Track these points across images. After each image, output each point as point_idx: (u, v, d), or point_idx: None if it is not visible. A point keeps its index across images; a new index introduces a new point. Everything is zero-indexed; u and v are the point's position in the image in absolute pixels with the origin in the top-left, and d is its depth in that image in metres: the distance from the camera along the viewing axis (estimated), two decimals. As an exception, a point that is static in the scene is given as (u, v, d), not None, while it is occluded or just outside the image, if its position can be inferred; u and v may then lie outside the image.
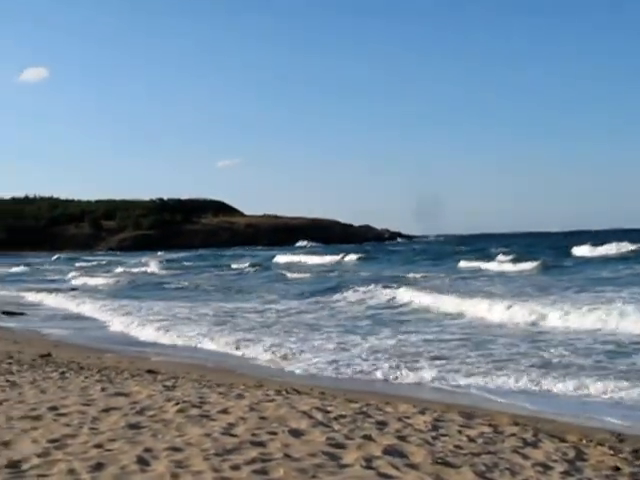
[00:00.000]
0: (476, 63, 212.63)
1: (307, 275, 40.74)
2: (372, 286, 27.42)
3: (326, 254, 64.77)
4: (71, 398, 7.45)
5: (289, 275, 41.31)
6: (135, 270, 55.50)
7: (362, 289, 27.23)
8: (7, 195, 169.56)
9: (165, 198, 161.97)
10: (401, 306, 22.62)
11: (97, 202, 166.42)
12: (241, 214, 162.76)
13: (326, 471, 4.99)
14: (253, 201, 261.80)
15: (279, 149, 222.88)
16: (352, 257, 58.64)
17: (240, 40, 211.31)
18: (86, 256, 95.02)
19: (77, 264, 71.18)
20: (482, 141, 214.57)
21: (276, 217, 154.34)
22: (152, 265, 59.03)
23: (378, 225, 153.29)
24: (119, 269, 57.28)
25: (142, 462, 5.21)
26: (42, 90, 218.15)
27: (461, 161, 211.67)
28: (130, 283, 39.94)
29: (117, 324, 20.38)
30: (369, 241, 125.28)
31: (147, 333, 18.20)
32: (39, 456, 5.23)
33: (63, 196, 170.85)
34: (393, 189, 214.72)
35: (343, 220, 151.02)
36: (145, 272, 53.48)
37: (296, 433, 6.00)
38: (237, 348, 15.42)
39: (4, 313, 23.90)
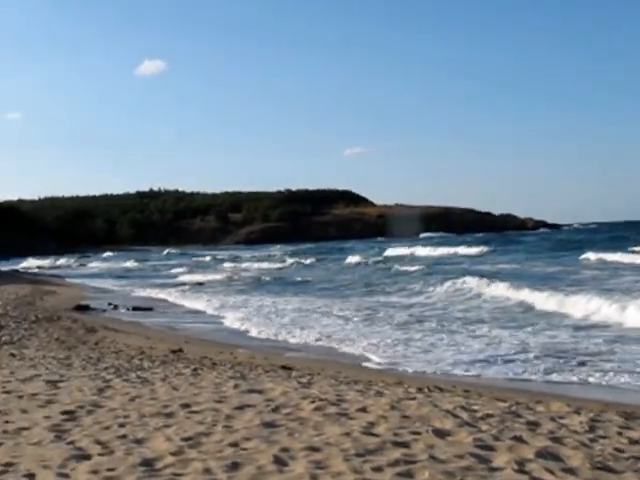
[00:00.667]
0: None
1: (414, 268, 40.80)
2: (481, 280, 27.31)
3: (443, 245, 64.77)
4: (204, 395, 7.64)
5: (399, 268, 41.78)
6: (263, 265, 57.29)
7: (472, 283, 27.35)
8: (132, 189, 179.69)
9: (293, 189, 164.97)
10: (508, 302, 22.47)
11: (223, 194, 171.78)
12: (372, 204, 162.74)
13: (475, 474, 4.86)
14: (382, 190, 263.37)
15: (408, 136, 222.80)
16: (469, 249, 58.33)
17: (370, 26, 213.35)
18: (209, 250, 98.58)
19: (194, 258, 74.65)
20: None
21: (409, 207, 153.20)
22: (275, 259, 61.00)
23: (525, 214, 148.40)
24: (243, 264, 59.56)
25: (279, 462, 5.22)
26: (160, 83, 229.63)
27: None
28: (257, 278, 41.22)
29: (247, 321, 21.03)
30: (508, 230, 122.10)
31: (277, 329, 18.74)
32: (173, 454, 5.36)
33: (189, 189, 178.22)
34: (539, 175, 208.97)
35: (482, 208, 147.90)
36: (269, 267, 55.03)
37: (441, 433, 5.88)
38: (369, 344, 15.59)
39: (134, 309, 25.31)
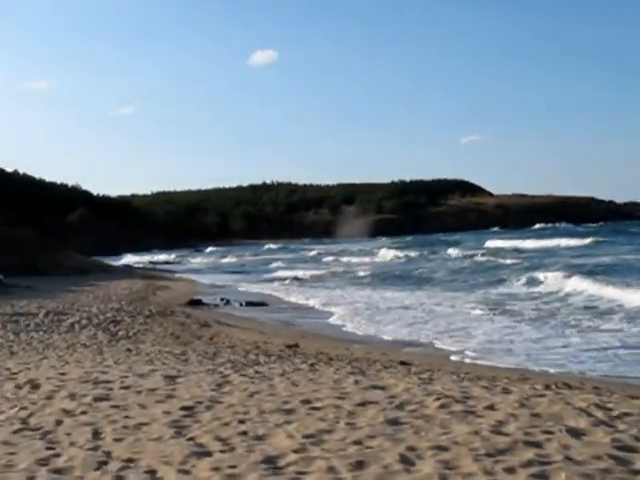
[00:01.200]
0: None
1: (509, 261, 40.48)
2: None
3: (552, 237, 63.76)
4: (324, 391, 7.69)
5: (496, 261, 41.95)
6: (366, 259, 57.43)
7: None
8: (245, 182, 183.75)
9: (407, 180, 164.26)
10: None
11: (336, 186, 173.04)
12: (489, 194, 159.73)
13: (615, 477, 4.74)
14: (500, 179, 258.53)
15: (525, 122, 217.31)
16: (575, 241, 56.85)
17: (481, 12, 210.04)
18: (319, 244, 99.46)
19: (302, 252, 75.54)
20: None
21: (526, 196, 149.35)
22: (382, 252, 60.92)
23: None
24: (346, 258, 59.76)
25: (406, 461, 5.18)
26: (272, 73, 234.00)
27: None
28: (366, 273, 41.33)
29: (357, 315, 21.38)
30: (635, 219, 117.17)
31: (392, 327, 18.89)
32: (295, 452, 5.42)
33: (301, 181, 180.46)
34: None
35: (605, 197, 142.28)
36: (373, 261, 55.10)
37: (575, 433, 5.76)
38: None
39: (247, 304, 26.00)
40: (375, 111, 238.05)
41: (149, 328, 17.19)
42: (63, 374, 9.27)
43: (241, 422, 6.34)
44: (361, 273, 41.46)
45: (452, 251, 56.49)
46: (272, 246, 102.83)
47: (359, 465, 5.12)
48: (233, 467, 5.09)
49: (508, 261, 41.02)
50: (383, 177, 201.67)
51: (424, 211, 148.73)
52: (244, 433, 5.96)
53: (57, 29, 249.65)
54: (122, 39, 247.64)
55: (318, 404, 7.00)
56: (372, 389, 7.88)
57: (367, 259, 57.65)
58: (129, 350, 13.03)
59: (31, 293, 28.18)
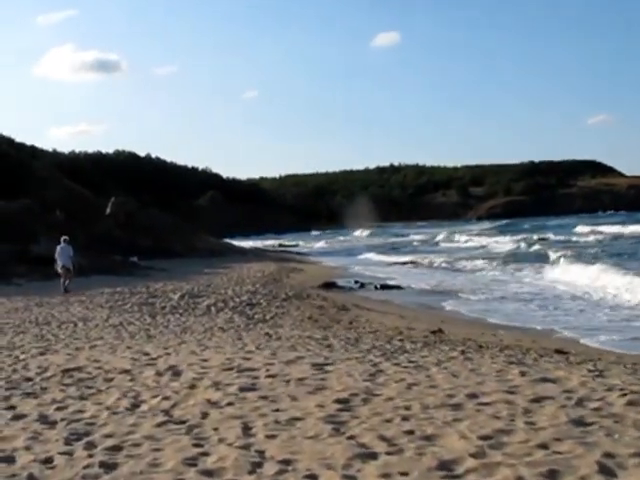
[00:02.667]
0: None
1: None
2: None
3: None
4: (488, 384, 6.98)
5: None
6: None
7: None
8: (372, 165, 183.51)
9: (536, 160, 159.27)
10: None
11: (464, 168, 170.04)
12: (621, 175, 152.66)
13: None
14: (632, 160, 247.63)
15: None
16: None
17: None
18: (449, 226, 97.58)
19: (440, 235, 74.11)
20: None
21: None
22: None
23: None
24: (483, 239, 58.16)
25: (606, 471, 4.47)
26: (394, 55, 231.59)
27: None
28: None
29: (496, 302, 20.85)
30: None
31: (537, 313, 18.29)
32: (473, 456, 4.76)
33: (429, 163, 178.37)
34: None
35: None
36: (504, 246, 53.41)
37: None
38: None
39: (382, 287, 25.76)
40: (501, 91, 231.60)
41: (286, 311, 16.97)
42: (204, 360, 8.98)
43: (404, 419, 5.72)
44: (494, 258, 39.99)
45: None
46: (401, 229, 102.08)
47: (551, 475, 4.44)
48: (405, 474, 4.49)
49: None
50: (511, 158, 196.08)
51: (553, 192, 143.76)
52: (410, 432, 5.34)
53: (183, 13, 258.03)
54: (245, 24, 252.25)
55: (486, 399, 6.29)
56: (542, 382, 7.11)
57: (501, 244, 55.79)
58: (268, 334, 12.73)
59: (165, 275, 28.79)
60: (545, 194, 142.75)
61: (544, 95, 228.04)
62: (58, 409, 6.61)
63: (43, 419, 6.28)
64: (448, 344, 12.02)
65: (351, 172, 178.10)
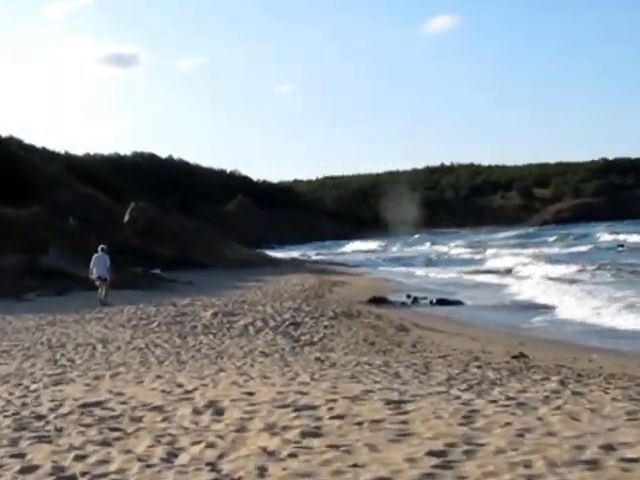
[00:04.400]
0: None
1: None
2: None
3: None
4: (623, 430, 6.09)
5: None
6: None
7: None
8: (420, 164, 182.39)
9: (610, 158, 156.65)
10: None
11: (527, 167, 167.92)
12: None
13: None
14: None
15: None
16: None
17: None
18: (508, 231, 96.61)
19: (497, 241, 73.34)
20: None
21: None
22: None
23: None
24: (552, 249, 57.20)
25: None
26: (450, 40, 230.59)
27: None
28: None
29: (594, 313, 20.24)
30: None
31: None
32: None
33: (486, 162, 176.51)
34: None
35: None
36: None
37: None
38: None
39: (438, 302, 25.50)
40: (568, 82, 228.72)
41: (336, 332, 16.39)
42: (250, 394, 8.27)
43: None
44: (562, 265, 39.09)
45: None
46: (453, 235, 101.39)
47: None
48: None
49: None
50: (583, 156, 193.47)
51: (631, 193, 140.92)
52: (541, 501, 4.49)
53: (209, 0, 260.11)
54: (282, 7, 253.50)
55: (630, 452, 5.39)
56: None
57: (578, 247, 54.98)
58: (319, 360, 12.09)
59: (193, 289, 28.52)
60: (621, 195, 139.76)
61: (617, 84, 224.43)
62: (77, 458, 5.91)
63: (59, 472, 5.59)
64: (538, 372, 11.27)
65: (397, 173, 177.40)
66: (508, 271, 38.43)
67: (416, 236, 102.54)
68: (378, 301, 25.46)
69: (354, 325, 17.78)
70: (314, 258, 66.78)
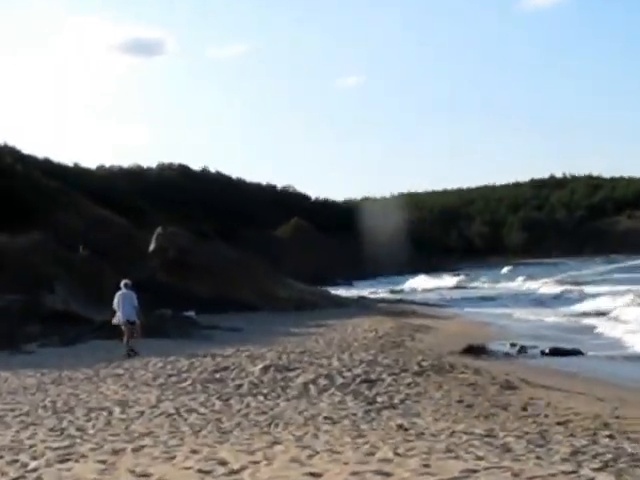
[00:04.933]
0: None
1: None
2: None
3: None
4: None
5: None
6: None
7: None
8: (523, 177, 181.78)
9: None
10: None
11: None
12: None
13: None
14: None
15: None
16: None
17: None
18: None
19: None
20: None
21: None
22: None
23: None
24: None
25: None
26: (559, 21, 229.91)
27: None
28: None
29: None
30: None
31: None
32: None
33: (607, 173, 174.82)
34: None
35: None
36: None
37: None
38: None
39: (551, 352, 25.69)
40: None
41: (423, 391, 16.31)
42: (315, 475, 8.24)
43: None
44: None
45: None
46: (559, 267, 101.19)
47: None
48: None
49: None
50: None
51: None
52: None
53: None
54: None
55: None
56: None
57: None
58: (402, 428, 12.05)
59: (237, 337, 28.68)
60: None
61: None
62: None
63: None
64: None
65: (493, 188, 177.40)
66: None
67: (508, 268, 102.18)
68: (475, 351, 25.60)
69: (446, 382, 17.67)
70: (388, 297, 67.21)
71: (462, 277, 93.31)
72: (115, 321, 23.97)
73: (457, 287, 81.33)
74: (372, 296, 65.95)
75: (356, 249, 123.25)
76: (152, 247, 46.00)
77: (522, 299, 58.12)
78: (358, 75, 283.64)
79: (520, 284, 77.81)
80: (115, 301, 23.91)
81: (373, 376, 18.05)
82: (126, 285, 24.10)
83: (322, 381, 17.39)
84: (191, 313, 35.44)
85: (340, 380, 17.48)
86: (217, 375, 18.49)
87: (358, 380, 17.47)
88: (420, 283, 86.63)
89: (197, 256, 45.29)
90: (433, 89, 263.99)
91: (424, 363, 20.36)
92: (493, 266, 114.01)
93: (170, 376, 18.62)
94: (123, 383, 17.82)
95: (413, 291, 77.69)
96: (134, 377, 18.71)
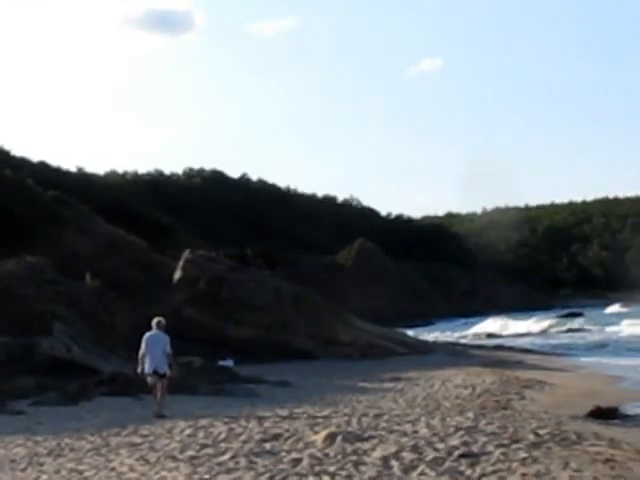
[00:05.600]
0: None
1: None
2: None
3: None
4: None
5: None
6: None
7: None
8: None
9: None
10: None
11: None
12: None
13: None
14: None
15: None
16: None
17: None
18: None
19: None
20: None
21: None
22: None
23: None
24: None
25: None
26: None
27: None
28: None
29: None
30: None
31: None
32: None
33: None
34: None
35: None
36: None
37: None
38: None
39: None
40: None
41: (544, 471, 15.69)
42: None
43: None
44: None
45: None
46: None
47: None
48: None
49: None
50: None
51: None
52: None
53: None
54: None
55: None
56: None
57: None
58: None
59: (287, 393, 28.69)
60: None
61: None
62: None
63: None
64: None
65: (616, 201, 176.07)
66: None
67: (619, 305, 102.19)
68: (605, 415, 25.17)
69: (573, 458, 17.06)
70: (482, 342, 67.41)
71: (574, 318, 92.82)
72: (141, 372, 23.73)
73: (569, 330, 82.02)
74: (462, 340, 66.43)
75: (442, 278, 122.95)
76: (178, 276, 45.91)
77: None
78: (436, 58, 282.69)
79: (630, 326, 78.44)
80: (143, 345, 23.84)
81: (475, 448, 17.57)
82: (159, 324, 24.18)
83: (407, 455, 16.88)
84: (228, 362, 35.31)
85: (431, 454, 16.97)
86: (266, 446, 18.07)
87: (455, 454, 16.94)
88: (522, 325, 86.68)
89: (235, 288, 45.12)
90: (522, 75, 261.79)
91: (541, 431, 19.90)
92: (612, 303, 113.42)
93: (203, 447, 18.22)
94: (141, 456, 17.44)
95: (525, 334, 78.23)
96: (155, 447, 18.34)
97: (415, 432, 19.45)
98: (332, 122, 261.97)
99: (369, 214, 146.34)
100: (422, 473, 15.43)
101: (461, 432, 19.33)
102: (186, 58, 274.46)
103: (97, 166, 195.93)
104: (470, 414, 22.88)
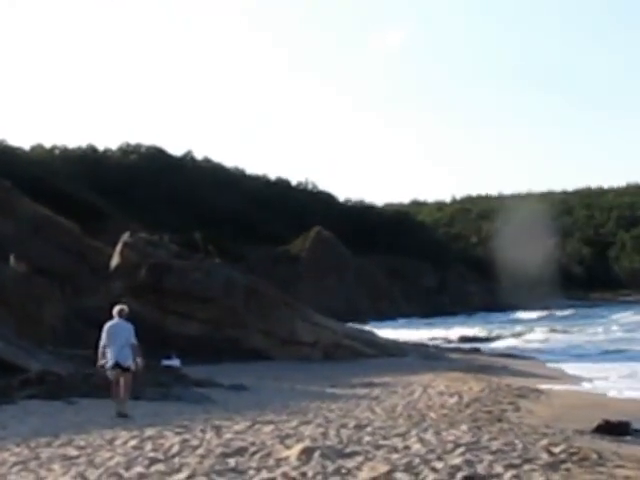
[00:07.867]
0: None
1: None
2: None
3: None
4: None
5: None
6: None
7: None
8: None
9: None
10: None
11: None
12: None
13: None
14: None
15: None
16: None
17: None
18: None
19: None
20: None
21: None
22: None
23: None
24: None
25: None
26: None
27: None
28: None
29: None
30: None
31: None
32: None
33: None
34: None
35: None
36: None
37: None
38: None
39: None
40: None
41: None
42: None
43: None
44: None
45: None
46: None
47: None
48: None
49: None
50: None
51: None
52: None
53: None
54: None
55: None
56: None
57: None
58: None
59: (245, 399, 28.27)
60: None
61: None
62: None
63: None
64: None
65: (599, 193, 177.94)
66: None
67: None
68: (615, 429, 24.64)
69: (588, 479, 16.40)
70: (458, 345, 68.62)
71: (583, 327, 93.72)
72: (102, 364, 23.90)
73: (552, 331, 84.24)
74: (436, 341, 67.59)
75: (404, 270, 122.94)
76: (115, 262, 45.01)
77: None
78: (402, 29, 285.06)
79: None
80: (104, 336, 23.99)
81: (481, 469, 16.50)
82: (121, 312, 24.39)
83: (401, 476, 15.72)
84: (174, 361, 34.24)
85: (430, 475, 15.86)
86: (230, 462, 16.76)
87: (459, 476, 15.83)
88: (526, 325, 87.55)
89: (180, 277, 44.29)
90: (535, 50, 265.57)
91: (555, 449, 19.03)
92: (600, 304, 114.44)
93: (153, 462, 16.87)
94: (79, 472, 16.04)
95: (519, 334, 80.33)
96: (95, 462, 16.94)
97: (407, 448, 18.49)
98: (288, 96, 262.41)
99: (326, 199, 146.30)
100: (419, 499, 14.64)
101: (461, 449, 18.44)
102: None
103: (22, 140, 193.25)
104: (463, 427, 22.29)
